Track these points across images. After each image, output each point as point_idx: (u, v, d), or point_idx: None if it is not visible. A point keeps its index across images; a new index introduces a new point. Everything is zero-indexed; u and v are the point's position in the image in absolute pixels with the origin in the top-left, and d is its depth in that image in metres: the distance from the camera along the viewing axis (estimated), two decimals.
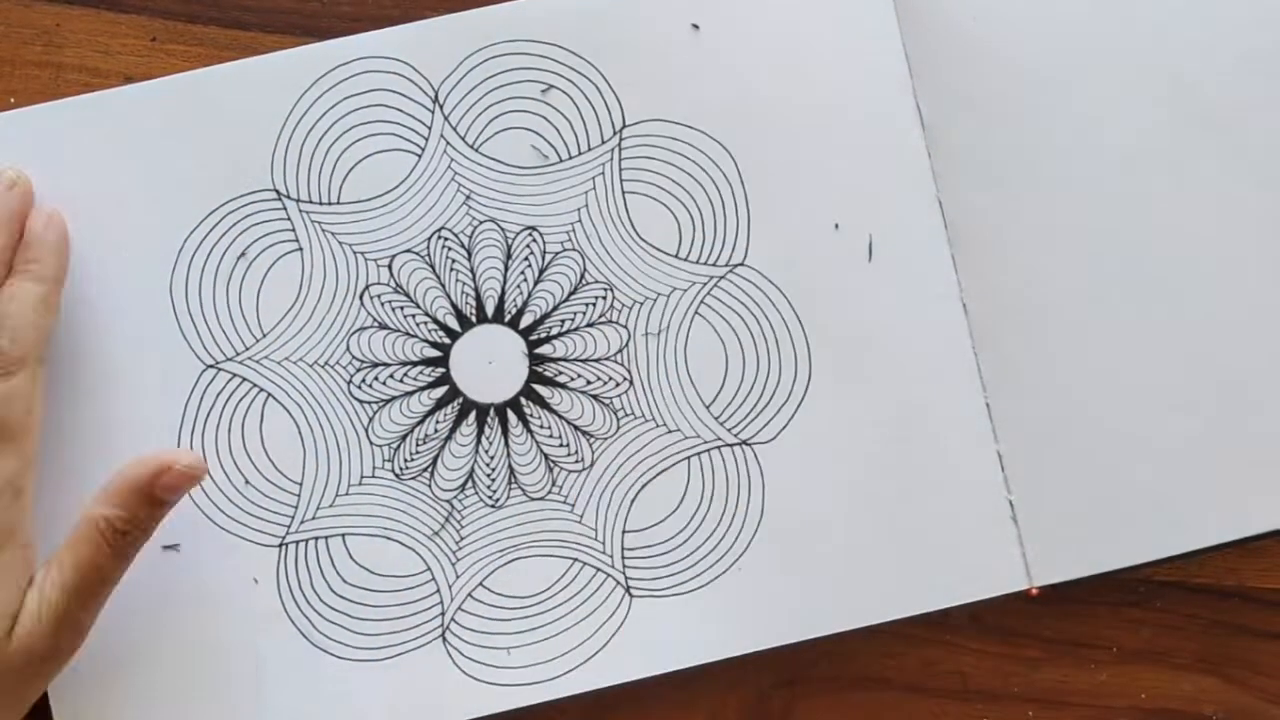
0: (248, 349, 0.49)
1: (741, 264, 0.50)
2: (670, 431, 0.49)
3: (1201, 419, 0.49)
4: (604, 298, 0.50)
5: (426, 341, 0.49)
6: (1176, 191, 0.49)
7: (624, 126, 0.50)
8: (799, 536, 0.49)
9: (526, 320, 0.50)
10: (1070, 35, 0.50)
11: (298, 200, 0.49)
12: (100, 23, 0.51)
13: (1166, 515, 0.49)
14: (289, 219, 0.49)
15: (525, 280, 0.50)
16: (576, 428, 0.49)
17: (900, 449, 0.49)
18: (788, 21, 0.50)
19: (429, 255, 0.49)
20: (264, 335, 0.49)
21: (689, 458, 0.49)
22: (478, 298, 0.50)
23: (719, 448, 0.49)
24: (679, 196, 0.50)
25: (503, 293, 0.50)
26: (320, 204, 0.49)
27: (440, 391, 0.49)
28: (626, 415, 0.49)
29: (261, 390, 0.49)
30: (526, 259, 0.50)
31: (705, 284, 0.50)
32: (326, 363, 0.49)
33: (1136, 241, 0.49)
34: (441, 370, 0.49)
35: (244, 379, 0.49)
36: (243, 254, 0.49)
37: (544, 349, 0.50)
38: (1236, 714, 0.50)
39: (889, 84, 0.50)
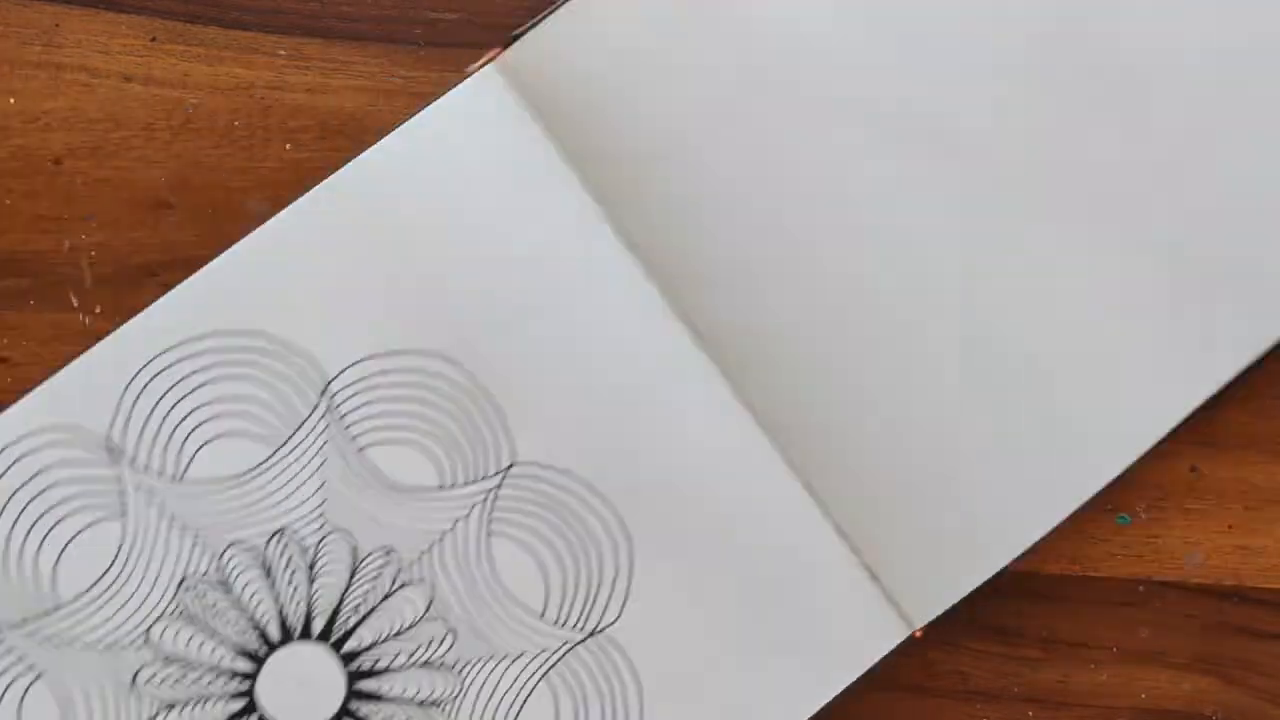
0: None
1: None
2: (517, 658, 0.46)
3: (992, 417, 0.49)
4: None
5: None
6: (904, 210, 0.49)
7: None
8: (686, 698, 0.46)
9: (337, 634, 0.45)
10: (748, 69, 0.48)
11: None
12: (100, 23, 0.51)
13: (1004, 515, 0.48)
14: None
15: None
16: (420, 703, 0.45)
17: (744, 572, 0.46)
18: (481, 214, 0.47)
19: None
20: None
21: (547, 673, 0.46)
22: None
23: (571, 647, 0.46)
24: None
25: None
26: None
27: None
28: (466, 665, 0.46)
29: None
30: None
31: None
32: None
33: (871, 269, 0.49)
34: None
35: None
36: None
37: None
38: (1236, 714, 0.50)
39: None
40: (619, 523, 0.46)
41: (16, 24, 0.51)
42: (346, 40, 0.51)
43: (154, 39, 0.51)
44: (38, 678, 0.43)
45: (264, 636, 0.45)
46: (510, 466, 0.46)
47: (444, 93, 0.49)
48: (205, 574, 0.44)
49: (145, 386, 0.45)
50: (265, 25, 0.51)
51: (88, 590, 0.44)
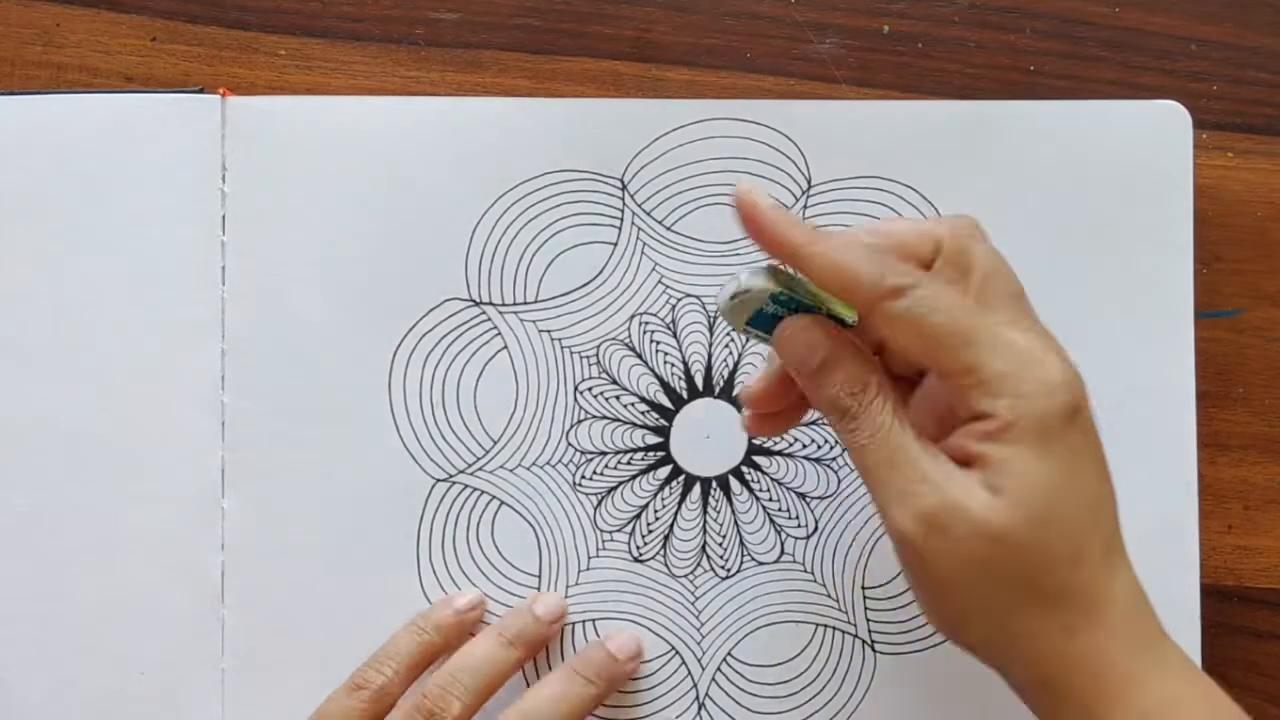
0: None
1: None
2: None
3: None
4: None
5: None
6: None
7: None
8: None
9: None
10: None
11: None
12: (100, 23, 0.51)
13: None
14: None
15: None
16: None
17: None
18: None
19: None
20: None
21: None
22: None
23: None
24: None
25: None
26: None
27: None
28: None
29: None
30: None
31: None
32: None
33: None
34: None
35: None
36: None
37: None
38: None
39: None
40: None
41: (17, 24, 0.50)
42: (347, 40, 0.51)
43: (154, 39, 0.51)
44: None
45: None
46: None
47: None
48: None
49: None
50: (266, 25, 0.51)
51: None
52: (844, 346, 0.40)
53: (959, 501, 0.37)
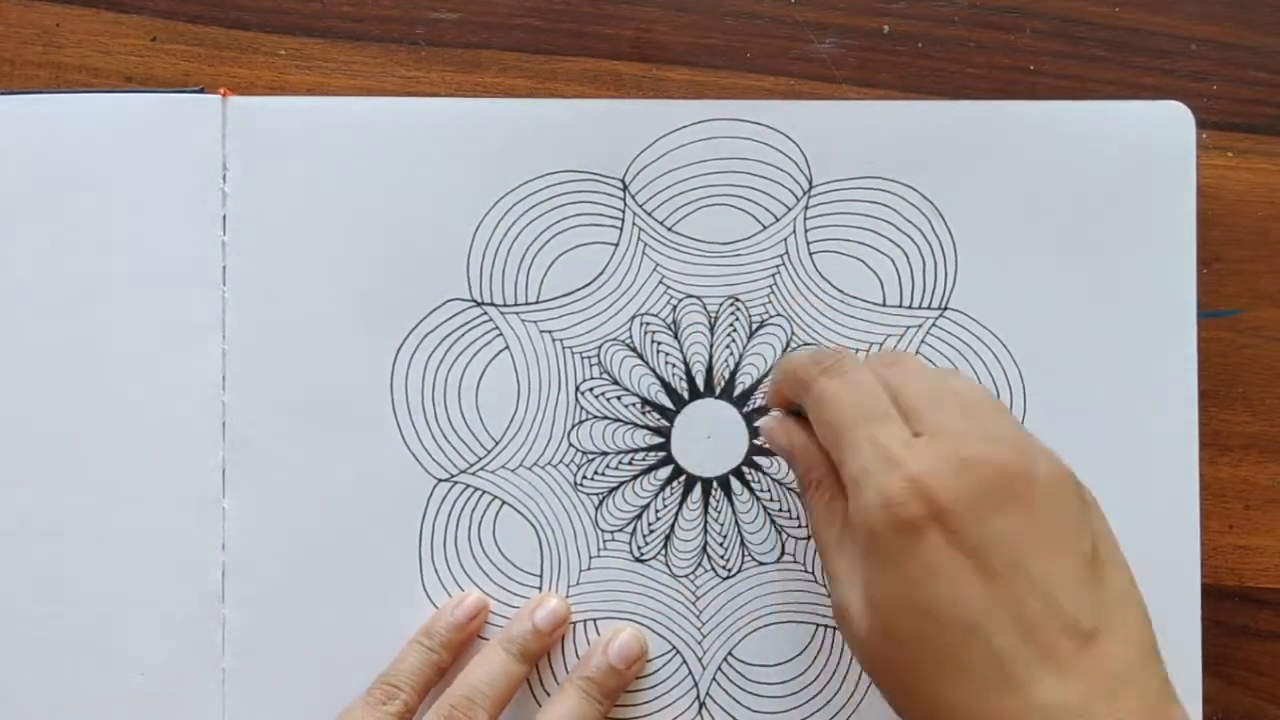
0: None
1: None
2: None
3: None
4: None
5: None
6: None
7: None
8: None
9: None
10: None
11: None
12: (100, 23, 0.51)
13: None
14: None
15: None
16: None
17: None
18: None
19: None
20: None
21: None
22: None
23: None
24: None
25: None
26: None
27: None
28: None
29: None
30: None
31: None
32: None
33: None
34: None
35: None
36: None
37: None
38: (1236, 714, 0.50)
39: None
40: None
41: (17, 24, 0.50)
42: (347, 40, 0.51)
43: (155, 39, 0.51)
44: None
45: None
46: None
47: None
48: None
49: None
50: (266, 25, 0.51)
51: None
52: (799, 441, 0.43)
53: (844, 606, 0.39)
